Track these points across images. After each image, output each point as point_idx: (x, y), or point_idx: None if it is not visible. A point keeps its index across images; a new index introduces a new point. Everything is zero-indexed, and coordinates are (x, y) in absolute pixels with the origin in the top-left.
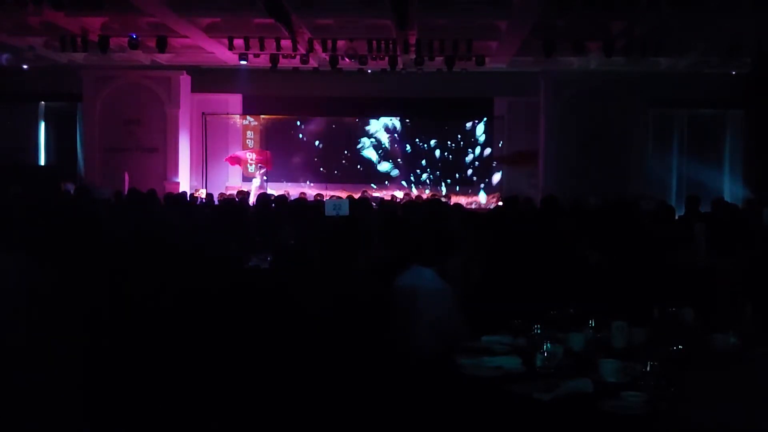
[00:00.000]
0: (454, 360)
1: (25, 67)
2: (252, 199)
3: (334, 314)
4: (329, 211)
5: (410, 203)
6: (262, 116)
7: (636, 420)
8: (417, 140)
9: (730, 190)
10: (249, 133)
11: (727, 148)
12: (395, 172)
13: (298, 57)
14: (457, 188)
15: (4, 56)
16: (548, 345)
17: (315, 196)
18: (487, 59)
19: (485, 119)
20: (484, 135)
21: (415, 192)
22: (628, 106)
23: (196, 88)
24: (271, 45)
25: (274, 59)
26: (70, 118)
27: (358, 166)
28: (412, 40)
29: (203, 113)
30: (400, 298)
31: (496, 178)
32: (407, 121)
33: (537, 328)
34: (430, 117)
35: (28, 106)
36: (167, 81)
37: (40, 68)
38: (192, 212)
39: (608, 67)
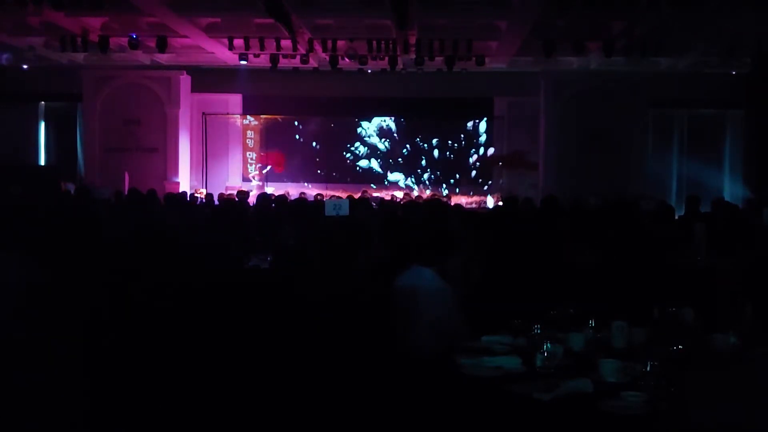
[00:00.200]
0: (454, 360)
1: (25, 67)
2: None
3: (334, 314)
4: (329, 211)
5: (410, 203)
6: (263, 116)
7: (636, 420)
8: (418, 140)
9: (730, 190)
10: (249, 133)
11: (727, 148)
12: (395, 176)
13: (298, 57)
14: (457, 190)
15: (4, 56)
16: (548, 345)
17: (315, 196)
18: (487, 59)
19: (486, 119)
20: (485, 135)
21: (415, 192)
22: (628, 106)
23: (196, 88)
24: (271, 45)
25: (274, 59)
26: (70, 118)
27: (358, 168)
28: (412, 40)
29: (203, 113)
30: (400, 298)
31: (498, 178)
32: (402, 120)
33: (537, 328)
34: (430, 117)
35: (28, 106)
36: (167, 81)
37: (40, 68)
38: (192, 212)
39: (608, 67)
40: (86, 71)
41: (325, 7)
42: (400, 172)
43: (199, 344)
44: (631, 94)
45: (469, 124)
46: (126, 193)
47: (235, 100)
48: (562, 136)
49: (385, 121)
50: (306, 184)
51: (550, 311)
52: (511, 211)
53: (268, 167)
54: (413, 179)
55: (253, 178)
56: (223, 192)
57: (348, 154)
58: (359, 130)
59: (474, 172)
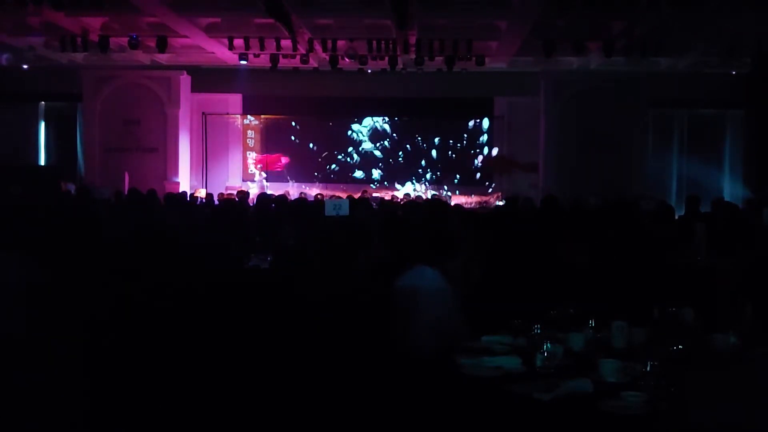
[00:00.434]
0: (454, 360)
1: (25, 67)
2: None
3: (334, 314)
4: (329, 211)
5: (410, 203)
6: (263, 116)
7: (636, 420)
8: (418, 139)
9: (730, 190)
10: (249, 133)
11: (727, 148)
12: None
13: (298, 57)
14: (457, 192)
15: (4, 56)
16: (548, 345)
17: (315, 196)
18: (487, 59)
19: (488, 119)
20: (486, 135)
21: (416, 192)
22: (628, 106)
23: (196, 88)
24: (271, 45)
25: (274, 59)
26: (70, 118)
27: (356, 171)
28: (412, 40)
29: (203, 113)
30: (401, 298)
31: (499, 178)
32: (401, 120)
33: (537, 328)
34: (430, 117)
35: (28, 106)
36: (167, 81)
37: (40, 68)
38: (192, 212)
39: (608, 67)
40: (86, 71)
41: (325, 7)
42: (399, 172)
43: (199, 344)
44: (631, 94)
45: (471, 124)
46: (126, 193)
47: (235, 100)
48: (562, 136)
49: (385, 120)
50: (297, 184)
51: (550, 311)
52: (511, 211)
53: (264, 172)
54: (414, 179)
55: (254, 175)
56: (223, 192)
57: (348, 152)
58: (358, 129)
59: (474, 169)
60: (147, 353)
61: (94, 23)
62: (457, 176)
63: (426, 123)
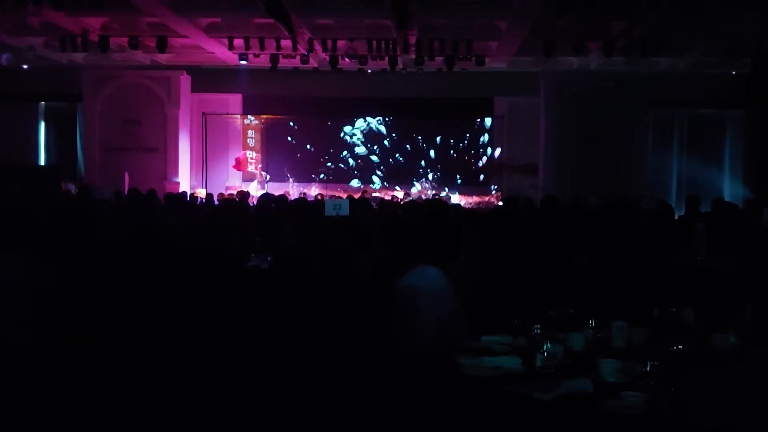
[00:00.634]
0: (454, 360)
1: (25, 67)
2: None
3: (335, 314)
4: (329, 211)
5: (410, 203)
6: (263, 116)
7: (636, 420)
8: (419, 139)
9: (730, 190)
10: (250, 133)
11: (727, 148)
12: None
13: (298, 57)
14: (457, 192)
15: (4, 56)
16: (548, 345)
17: (315, 196)
18: (487, 59)
19: (491, 119)
20: (487, 135)
21: (417, 192)
22: (628, 106)
23: (196, 88)
24: (271, 45)
25: (274, 59)
26: (70, 118)
27: (353, 180)
28: (412, 40)
29: (203, 113)
30: (403, 297)
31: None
32: (393, 119)
33: (537, 328)
34: (430, 117)
35: (28, 106)
36: (167, 81)
37: (40, 68)
38: (192, 212)
39: (608, 67)
40: (86, 71)
41: (325, 7)
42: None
43: (199, 344)
44: (631, 94)
45: (473, 123)
46: (126, 193)
47: (235, 100)
48: (562, 136)
49: (380, 121)
50: (297, 183)
51: (550, 311)
52: (511, 211)
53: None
54: (414, 179)
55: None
56: (223, 192)
57: (340, 162)
58: (351, 131)
59: (475, 170)
60: (147, 353)
61: (94, 23)
62: (458, 177)
63: (426, 123)
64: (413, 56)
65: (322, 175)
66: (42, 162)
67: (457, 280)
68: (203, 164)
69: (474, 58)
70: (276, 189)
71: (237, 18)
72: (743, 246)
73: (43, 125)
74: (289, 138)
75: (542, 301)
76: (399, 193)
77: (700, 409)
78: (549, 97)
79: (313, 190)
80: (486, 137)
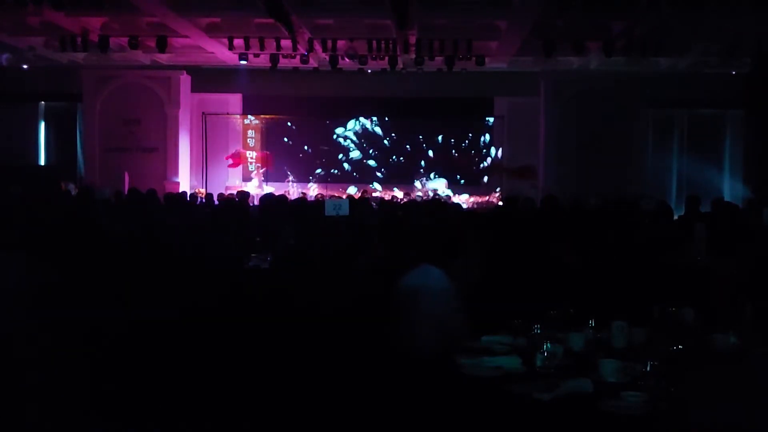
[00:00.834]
0: (454, 360)
1: (25, 67)
2: (252, 200)
3: (334, 314)
4: (329, 211)
5: (410, 203)
6: (263, 116)
7: (636, 420)
8: (420, 138)
9: (730, 190)
10: (250, 133)
11: (727, 148)
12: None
13: (298, 57)
14: (457, 193)
15: (4, 56)
16: (548, 345)
17: (315, 196)
18: (487, 59)
19: (492, 119)
20: (488, 135)
21: (415, 192)
22: (628, 106)
23: (196, 88)
24: (271, 45)
25: (274, 59)
26: (70, 118)
27: (354, 173)
28: (412, 40)
29: (203, 113)
30: (405, 297)
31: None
32: (390, 119)
33: (537, 328)
34: (430, 117)
35: (28, 106)
36: (167, 81)
37: (40, 68)
38: (192, 212)
39: (608, 67)
40: (86, 71)
41: (325, 7)
42: (399, 171)
43: (200, 344)
44: (631, 94)
45: (474, 123)
46: (126, 193)
47: (235, 100)
48: (562, 136)
49: (375, 123)
50: (294, 183)
51: (550, 311)
52: (511, 211)
53: (258, 165)
54: (414, 179)
55: (253, 176)
56: (223, 192)
57: (347, 152)
58: (343, 132)
59: (476, 171)
60: (147, 353)
61: (94, 23)
62: (458, 177)
63: (426, 123)
64: (413, 56)
65: (319, 170)
66: (42, 162)
67: (457, 280)
68: (203, 164)
69: (474, 58)
70: (275, 189)
71: (237, 18)
72: (743, 246)
73: (43, 125)
74: (285, 139)
75: (542, 301)
76: (399, 193)
77: (700, 409)
78: (549, 97)
79: (313, 190)
80: (487, 137)
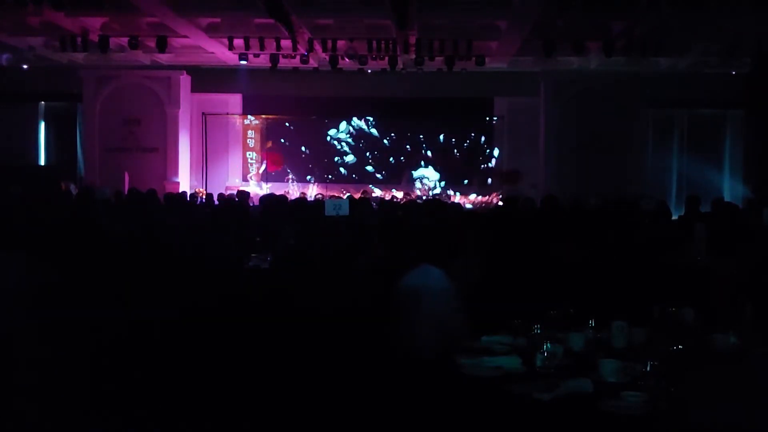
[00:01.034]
0: (454, 360)
1: (25, 67)
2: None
3: (335, 314)
4: (329, 211)
5: (410, 203)
6: (263, 116)
7: (636, 420)
8: (421, 137)
9: (730, 190)
10: (249, 133)
11: (727, 148)
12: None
13: (298, 57)
14: (457, 193)
15: (4, 56)
16: (548, 345)
17: (315, 196)
18: (487, 59)
19: (495, 119)
20: (489, 135)
21: (416, 191)
22: (628, 106)
23: (196, 88)
24: (271, 45)
25: (274, 59)
26: (70, 118)
27: (354, 176)
28: (412, 40)
29: (203, 113)
30: (405, 297)
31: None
32: (386, 120)
33: (537, 328)
34: (430, 117)
35: (28, 106)
36: (167, 81)
37: (40, 68)
38: (192, 212)
39: (608, 67)
40: (86, 71)
41: (325, 7)
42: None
43: (200, 344)
44: (631, 94)
45: (472, 123)
46: (126, 193)
47: (235, 100)
48: (562, 136)
49: (372, 123)
50: (297, 183)
51: (550, 311)
52: (511, 211)
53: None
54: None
55: (251, 178)
56: (223, 192)
57: (347, 152)
58: (335, 134)
59: (476, 172)
60: (147, 353)
61: (94, 23)
62: (461, 178)
63: (426, 123)
64: (413, 56)
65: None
66: (42, 162)
67: (457, 280)
68: (203, 164)
69: (474, 58)
70: (275, 189)
71: (237, 18)
72: (743, 246)
73: (43, 125)
74: (282, 140)
75: (542, 301)
76: (399, 194)
77: (700, 409)
78: (549, 97)
79: (312, 190)
80: (484, 138)
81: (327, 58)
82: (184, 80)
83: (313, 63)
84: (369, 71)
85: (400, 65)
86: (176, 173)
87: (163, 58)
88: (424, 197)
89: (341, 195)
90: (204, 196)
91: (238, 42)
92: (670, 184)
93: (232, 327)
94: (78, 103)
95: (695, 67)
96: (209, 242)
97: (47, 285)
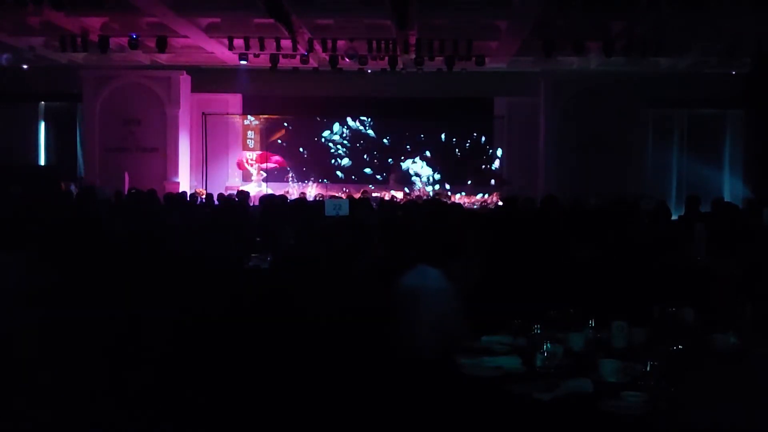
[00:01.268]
0: (454, 360)
1: (25, 67)
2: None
3: (334, 314)
4: (329, 211)
5: (410, 203)
6: (263, 116)
7: (636, 420)
8: (421, 137)
9: (730, 190)
10: (249, 133)
11: (727, 148)
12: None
13: (298, 57)
14: (453, 192)
15: (4, 56)
16: (548, 345)
17: (315, 196)
18: (487, 59)
19: (493, 119)
20: (489, 135)
21: (416, 191)
22: (628, 106)
23: (196, 88)
24: (271, 45)
25: (274, 59)
26: (70, 118)
27: (353, 176)
28: (412, 40)
29: (203, 113)
30: (403, 297)
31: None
32: (377, 119)
33: (537, 328)
34: (430, 117)
35: (28, 106)
36: (167, 81)
37: (40, 68)
38: (192, 212)
39: (608, 67)
40: (86, 71)
41: (325, 7)
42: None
43: (200, 344)
44: (631, 94)
45: (472, 124)
46: (126, 193)
47: (235, 100)
48: (562, 135)
49: (370, 125)
50: (297, 183)
51: (550, 311)
52: (511, 211)
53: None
54: (415, 179)
55: (252, 175)
56: (223, 192)
57: (346, 152)
58: (329, 135)
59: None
60: (147, 353)
61: (94, 23)
62: (461, 178)
63: (425, 123)
64: (413, 56)
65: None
66: (42, 162)
67: (457, 280)
68: (203, 164)
69: (474, 58)
70: (275, 189)
71: (237, 18)
72: (743, 246)
73: (43, 125)
74: (279, 141)
75: (542, 300)
76: (399, 193)
77: (700, 409)
78: (549, 97)
79: (312, 190)
80: (484, 138)
81: (327, 58)
82: (184, 80)
83: (313, 63)
84: (369, 71)
85: (400, 65)
86: (176, 173)
87: (163, 58)
88: (425, 197)
89: (341, 195)
90: (204, 196)
91: (238, 42)
92: (670, 184)
93: (231, 327)
94: (78, 103)
95: (695, 67)
96: (209, 242)
97: (47, 285)
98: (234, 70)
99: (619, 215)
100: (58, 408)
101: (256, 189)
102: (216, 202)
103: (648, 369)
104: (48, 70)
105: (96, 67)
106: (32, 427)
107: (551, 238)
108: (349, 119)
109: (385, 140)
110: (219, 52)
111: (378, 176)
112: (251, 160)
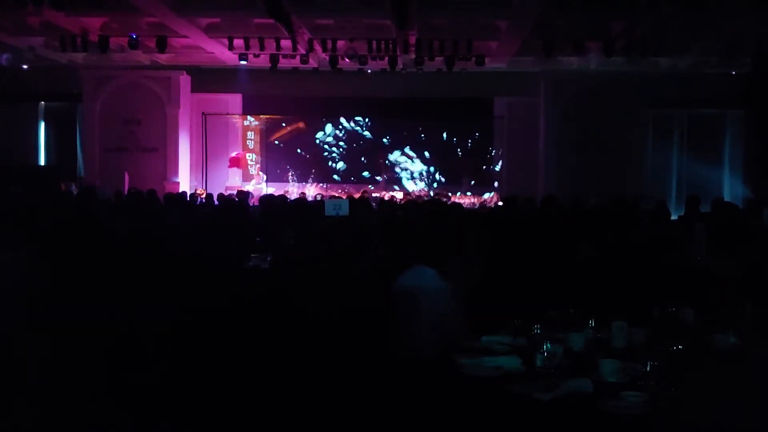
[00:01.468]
0: (454, 360)
1: (25, 67)
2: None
3: (335, 314)
4: (329, 211)
5: (410, 203)
6: (263, 116)
7: (636, 420)
8: (422, 137)
9: (730, 190)
10: (249, 134)
11: (727, 148)
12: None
13: (298, 57)
14: (456, 192)
15: (4, 56)
16: (548, 345)
17: (315, 196)
18: (487, 59)
19: (493, 119)
20: (489, 135)
21: (416, 191)
22: (628, 106)
23: (196, 88)
24: (271, 45)
25: (274, 59)
26: (70, 118)
27: (352, 177)
28: (412, 40)
29: (203, 113)
30: (401, 298)
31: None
32: (376, 120)
33: (537, 328)
34: (430, 117)
35: (28, 106)
36: (167, 81)
37: (40, 68)
38: (192, 212)
39: (608, 67)
40: (86, 71)
41: (325, 7)
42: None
43: (200, 344)
44: (631, 94)
45: (472, 123)
46: (126, 193)
47: (235, 100)
48: (562, 135)
49: (367, 125)
50: (294, 183)
51: (550, 311)
52: (510, 211)
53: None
54: (415, 179)
55: (253, 176)
56: (223, 192)
57: (345, 152)
58: (323, 137)
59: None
60: (147, 353)
61: (94, 23)
62: (461, 178)
63: (425, 123)
64: (413, 56)
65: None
66: (42, 162)
67: (457, 280)
68: (203, 164)
69: (474, 58)
70: (275, 189)
71: (237, 18)
72: (743, 246)
73: (42, 125)
74: (276, 142)
75: (542, 300)
76: (398, 194)
77: (700, 409)
78: (549, 97)
79: (310, 190)
80: (484, 138)
81: (327, 58)
82: (184, 80)
83: (313, 63)
84: (369, 71)
85: (400, 65)
86: (176, 173)
87: (163, 58)
88: (425, 197)
89: (341, 195)
90: (204, 196)
91: (238, 42)
92: (670, 184)
93: (232, 327)
94: (78, 103)
95: (695, 67)
96: (209, 242)
97: (47, 285)
98: (234, 70)
99: (619, 215)
100: (59, 408)
101: (256, 188)
102: (216, 202)
103: (648, 369)
104: (48, 70)
105: (96, 67)
106: (32, 427)
107: (551, 238)
108: (343, 120)
109: (384, 140)
110: (219, 52)
111: (377, 177)
112: (251, 161)
